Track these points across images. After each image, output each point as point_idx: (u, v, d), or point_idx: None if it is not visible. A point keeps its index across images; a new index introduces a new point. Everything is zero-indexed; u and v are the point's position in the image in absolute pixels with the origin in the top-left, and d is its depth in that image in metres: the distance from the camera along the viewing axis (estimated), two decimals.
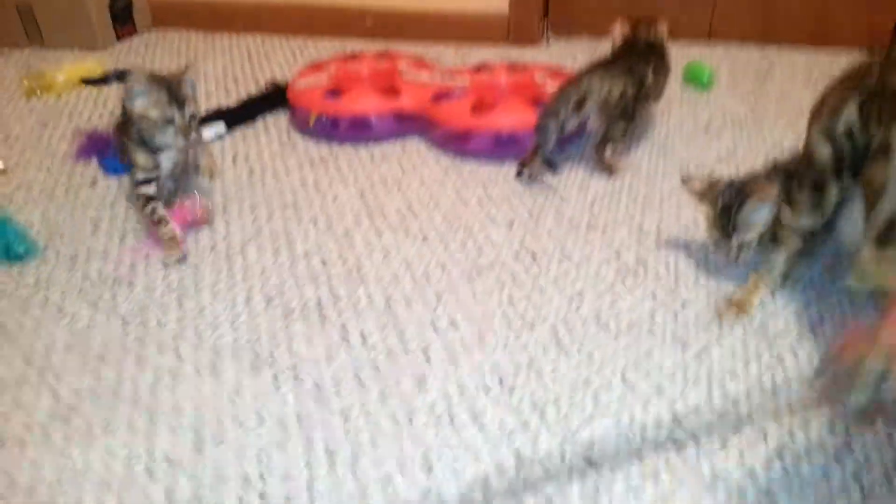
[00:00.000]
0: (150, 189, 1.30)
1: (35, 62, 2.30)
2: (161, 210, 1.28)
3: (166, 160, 1.32)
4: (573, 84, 1.44)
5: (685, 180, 1.12)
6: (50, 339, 1.07)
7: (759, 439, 0.86)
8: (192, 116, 1.30)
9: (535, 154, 1.42)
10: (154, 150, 1.30)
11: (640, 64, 1.49)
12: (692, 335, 1.02)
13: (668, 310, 1.07)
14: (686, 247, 1.22)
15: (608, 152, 1.46)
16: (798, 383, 0.93)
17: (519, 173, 1.44)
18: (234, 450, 0.87)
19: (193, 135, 1.31)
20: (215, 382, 0.97)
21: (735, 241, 1.05)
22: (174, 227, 1.26)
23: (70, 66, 2.07)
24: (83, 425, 0.91)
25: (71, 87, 2.03)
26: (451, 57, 2.20)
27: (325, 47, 2.32)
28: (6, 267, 1.24)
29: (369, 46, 2.30)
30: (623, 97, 1.43)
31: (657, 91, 1.55)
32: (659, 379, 0.95)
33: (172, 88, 1.28)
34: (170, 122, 1.26)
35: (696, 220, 1.28)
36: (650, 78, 1.50)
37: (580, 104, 1.41)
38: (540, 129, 1.39)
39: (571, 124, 1.42)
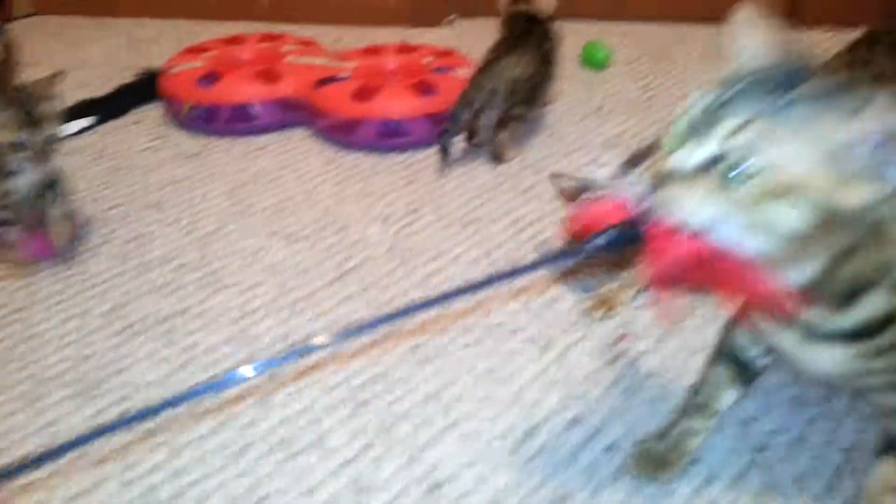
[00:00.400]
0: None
1: None
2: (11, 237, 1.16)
3: (22, 186, 1.13)
4: (484, 71, 1.37)
5: (554, 178, 1.07)
6: None
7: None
8: (49, 139, 1.11)
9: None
10: (4, 175, 1.12)
11: (541, 42, 1.43)
12: (557, 336, 0.98)
13: (532, 311, 1.02)
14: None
15: (504, 137, 1.40)
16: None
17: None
18: (44, 492, 0.79)
19: (50, 162, 1.14)
20: (32, 414, 0.88)
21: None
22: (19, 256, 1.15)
23: None
24: None
25: None
26: (353, 39, 2.10)
27: (218, 32, 2.18)
28: None
29: (265, 29, 2.19)
30: (531, 80, 1.38)
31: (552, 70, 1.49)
32: (519, 384, 0.90)
33: (26, 106, 1.09)
34: (19, 146, 1.09)
35: None
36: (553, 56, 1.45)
37: (494, 92, 1.35)
38: (452, 116, 1.35)
39: (488, 117, 1.38)
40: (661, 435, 0.77)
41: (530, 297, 1.03)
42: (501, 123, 1.39)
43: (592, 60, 1.79)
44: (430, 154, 1.43)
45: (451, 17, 2.22)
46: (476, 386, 0.90)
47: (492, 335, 0.98)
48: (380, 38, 2.08)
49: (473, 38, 2.06)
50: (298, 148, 1.51)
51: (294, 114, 1.56)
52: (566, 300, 1.03)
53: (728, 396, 0.75)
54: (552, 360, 0.93)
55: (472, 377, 0.89)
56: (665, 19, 2.08)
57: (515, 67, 1.36)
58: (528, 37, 1.43)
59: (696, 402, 0.76)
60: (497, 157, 1.40)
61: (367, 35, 2.12)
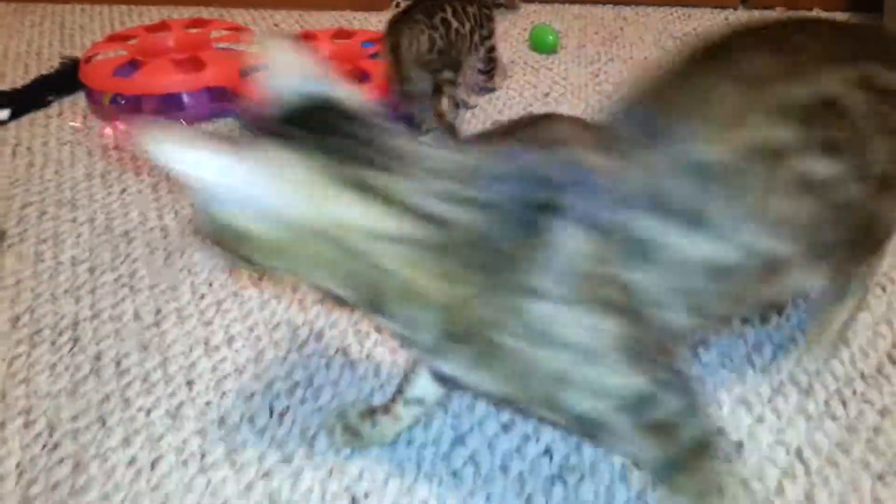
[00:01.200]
0: None
1: None
2: None
3: None
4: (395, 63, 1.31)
5: None
6: None
7: None
8: None
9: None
10: None
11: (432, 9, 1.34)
12: None
13: None
14: None
15: (443, 105, 1.34)
16: None
17: None
18: None
19: None
20: None
21: None
22: None
23: None
24: None
25: None
26: (292, 23, 2.03)
27: (152, 16, 2.09)
28: None
29: (206, 13, 2.10)
30: (433, 48, 1.31)
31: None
32: None
33: None
34: None
35: None
36: (459, 20, 1.35)
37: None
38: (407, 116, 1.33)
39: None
40: (370, 411, 0.76)
41: None
42: (435, 92, 1.34)
43: (541, 44, 1.74)
44: None
45: (398, 0, 2.15)
46: None
47: None
48: (325, 23, 2.02)
49: None
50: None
51: (225, 103, 1.48)
52: None
53: (423, 388, 0.73)
54: None
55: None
56: (617, 2, 2.04)
57: (410, 48, 1.29)
58: (412, 10, 1.35)
59: (399, 385, 0.74)
60: (444, 124, 1.33)
61: (309, 19, 2.05)
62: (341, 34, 1.61)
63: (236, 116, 1.49)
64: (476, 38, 1.40)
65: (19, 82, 1.67)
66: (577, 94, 1.55)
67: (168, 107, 1.46)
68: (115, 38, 1.60)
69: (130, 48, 1.55)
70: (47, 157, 1.38)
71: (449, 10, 1.34)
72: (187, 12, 2.11)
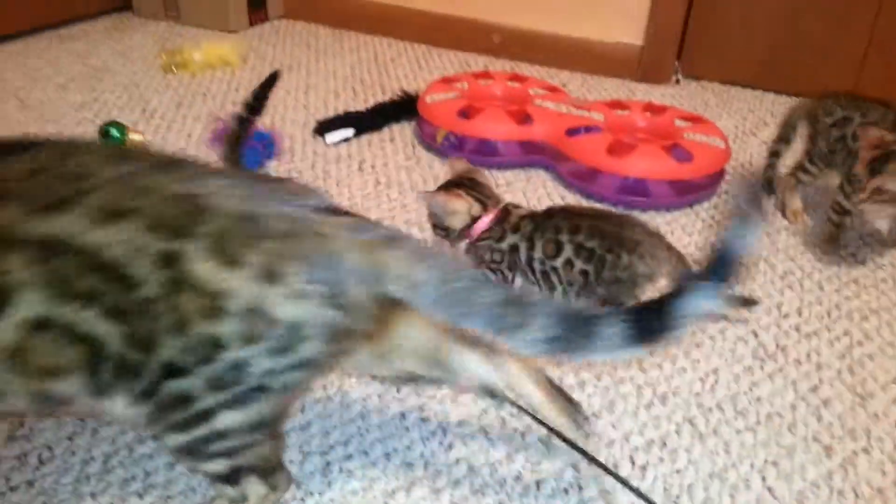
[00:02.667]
0: None
1: (171, 36, 2.37)
2: None
3: None
4: None
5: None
6: None
7: None
8: None
9: None
10: None
11: None
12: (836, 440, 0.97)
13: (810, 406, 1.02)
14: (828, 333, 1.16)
15: None
16: None
17: None
18: (362, 485, 0.87)
19: None
20: (343, 408, 0.97)
21: None
22: None
23: (207, 46, 2.12)
24: None
25: (206, 68, 2.09)
26: (578, 86, 2.17)
27: (450, 59, 2.32)
28: None
29: (494, 63, 2.30)
30: None
31: None
32: (801, 486, 0.90)
33: None
34: None
35: (838, 305, 1.22)
36: None
37: None
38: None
39: None
40: None
41: None
42: None
43: None
44: (676, 217, 1.46)
45: (677, 76, 2.24)
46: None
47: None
48: (606, 89, 2.14)
49: (701, 100, 2.09)
50: (542, 189, 1.57)
51: (535, 155, 1.63)
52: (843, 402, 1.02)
53: None
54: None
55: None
56: None
57: None
58: None
59: None
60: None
61: (593, 84, 2.19)
62: (652, 108, 1.71)
63: (546, 167, 1.64)
64: None
65: (350, 102, 1.93)
66: None
67: (486, 150, 1.63)
68: (447, 81, 1.80)
69: (462, 92, 1.74)
70: (389, 178, 1.58)
71: None
72: (480, 60, 2.32)
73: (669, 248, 1.09)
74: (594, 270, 1.06)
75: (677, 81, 2.24)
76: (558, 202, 1.52)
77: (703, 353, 1.10)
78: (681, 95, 2.13)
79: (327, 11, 2.53)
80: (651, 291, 1.07)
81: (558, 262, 1.08)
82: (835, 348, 1.13)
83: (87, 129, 1.69)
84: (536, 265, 1.10)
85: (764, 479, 0.90)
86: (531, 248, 1.10)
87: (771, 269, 1.32)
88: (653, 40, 2.18)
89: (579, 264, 1.07)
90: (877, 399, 1.03)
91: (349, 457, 0.90)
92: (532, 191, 1.56)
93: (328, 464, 0.89)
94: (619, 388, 1.03)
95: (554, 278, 1.09)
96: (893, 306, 1.23)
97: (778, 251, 1.38)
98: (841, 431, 0.98)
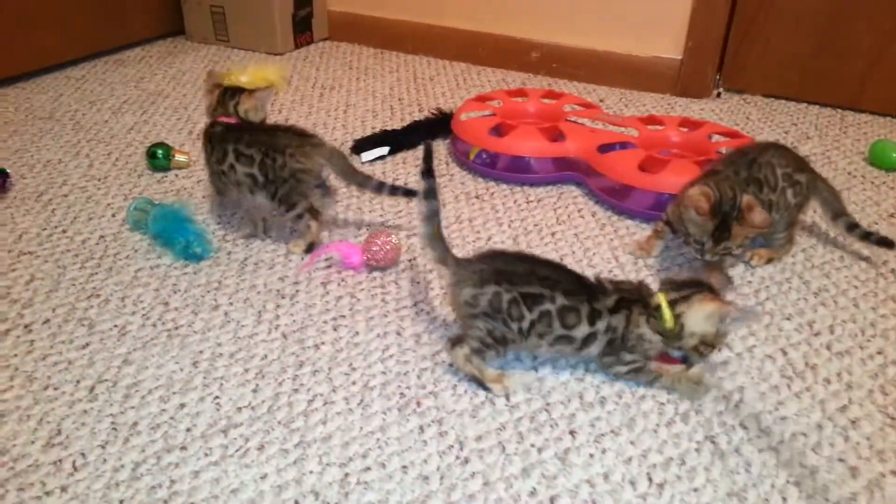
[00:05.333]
0: None
1: (220, 60, 2.47)
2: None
3: None
4: None
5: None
6: (216, 344, 1.13)
7: None
8: None
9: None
10: None
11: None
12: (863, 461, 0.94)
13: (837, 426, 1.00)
14: (861, 352, 1.13)
15: None
16: None
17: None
18: (378, 498, 0.89)
19: None
20: (364, 420, 1.00)
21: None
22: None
23: (253, 69, 2.18)
24: (240, 441, 0.96)
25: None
26: (616, 101, 2.17)
27: (488, 76, 2.35)
28: (182, 265, 1.33)
29: (532, 80, 2.32)
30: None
31: None
32: None
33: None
34: None
35: (874, 323, 1.18)
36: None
37: None
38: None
39: None
40: None
41: None
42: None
43: (883, 160, 1.71)
44: None
45: (719, 90, 2.21)
46: None
47: None
48: (645, 104, 2.13)
49: (742, 114, 2.06)
50: (572, 205, 1.57)
51: (568, 171, 1.64)
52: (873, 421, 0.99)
53: None
54: None
55: None
56: None
57: None
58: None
59: None
60: None
61: (631, 99, 2.18)
62: (688, 123, 1.70)
63: (577, 183, 1.64)
64: None
65: (388, 121, 1.97)
66: None
67: (518, 167, 1.65)
68: (482, 99, 1.83)
69: (496, 109, 1.76)
70: None
71: None
72: (518, 77, 2.34)
73: (320, 143, 1.33)
74: (260, 173, 1.31)
75: (718, 95, 2.21)
76: (589, 218, 1.52)
77: (728, 372, 1.09)
78: (721, 109, 2.10)
79: (370, 32, 2.60)
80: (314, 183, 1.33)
81: (224, 167, 1.34)
82: (867, 367, 1.10)
83: (136, 150, 1.78)
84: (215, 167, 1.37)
85: (784, 499, 0.88)
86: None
87: (805, 285, 1.29)
88: (692, 54, 2.16)
89: (242, 168, 1.33)
90: None
91: (367, 469, 0.92)
92: (563, 207, 1.56)
93: (346, 475, 0.91)
94: (641, 406, 1.02)
95: (225, 179, 1.36)
96: None
97: (813, 267, 1.35)
98: (868, 452, 0.95)
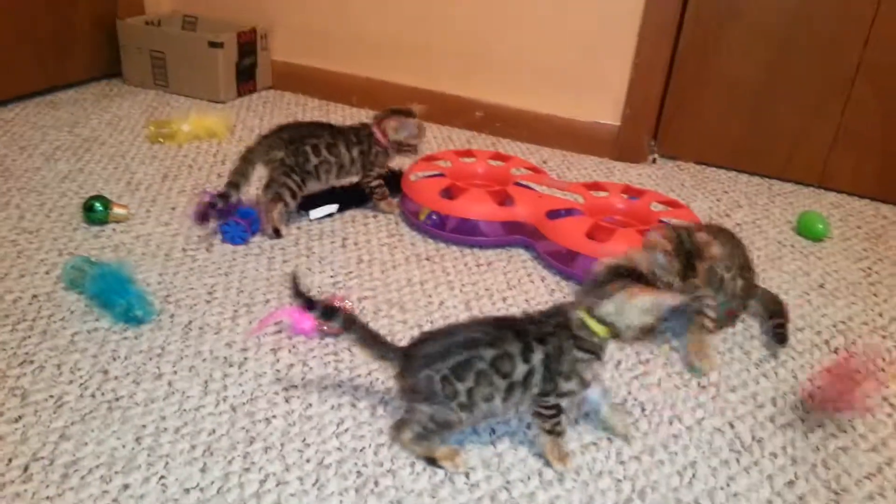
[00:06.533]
0: None
1: (159, 105, 2.41)
2: None
3: None
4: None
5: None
6: (160, 418, 1.08)
7: None
8: None
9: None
10: None
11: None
12: None
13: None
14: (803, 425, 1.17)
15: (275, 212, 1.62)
16: None
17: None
18: None
19: None
20: (319, 502, 0.96)
21: None
22: None
23: (195, 118, 2.15)
24: None
25: (193, 139, 2.11)
26: (558, 163, 2.22)
27: (434, 133, 2.37)
28: (122, 329, 1.27)
29: (476, 138, 2.36)
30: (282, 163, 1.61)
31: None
32: None
33: None
34: None
35: (812, 394, 1.24)
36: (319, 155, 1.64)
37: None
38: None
39: None
40: None
41: None
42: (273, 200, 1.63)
43: (810, 231, 1.81)
44: None
45: (654, 156, 2.31)
46: None
47: None
48: (585, 167, 2.20)
49: (677, 180, 2.15)
50: (522, 270, 1.59)
51: (516, 235, 1.66)
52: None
53: None
54: None
55: None
56: (880, 198, 2.08)
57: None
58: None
59: None
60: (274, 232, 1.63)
61: (572, 161, 2.24)
62: (631, 191, 1.76)
63: (525, 247, 1.67)
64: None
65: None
66: (851, 291, 1.59)
67: (466, 228, 1.66)
68: (430, 159, 1.84)
69: (445, 170, 1.78)
70: (371, 255, 1.60)
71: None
72: (462, 134, 2.38)
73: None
74: None
75: (654, 161, 2.30)
76: (539, 283, 1.54)
77: (680, 445, 1.11)
78: (657, 175, 2.19)
79: (314, 83, 2.59)
80: None
81: None
82: (810, 441, 1.14)
83: (70, 201, 1.70)
84: None
85: None
86: None
87: (746, 356, 1.34)
88: (629, 121, 2.25)
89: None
90: (851, 494, 1.04)
91: None
92: (513, 271, 1.58)
93: None
94: (598, 483, 1.03)
95: None
96: None
97: (752, 338, 1.40)
98: None
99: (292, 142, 1.62)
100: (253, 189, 1.67)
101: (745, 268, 1.37)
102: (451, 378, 0.97)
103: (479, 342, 0.98)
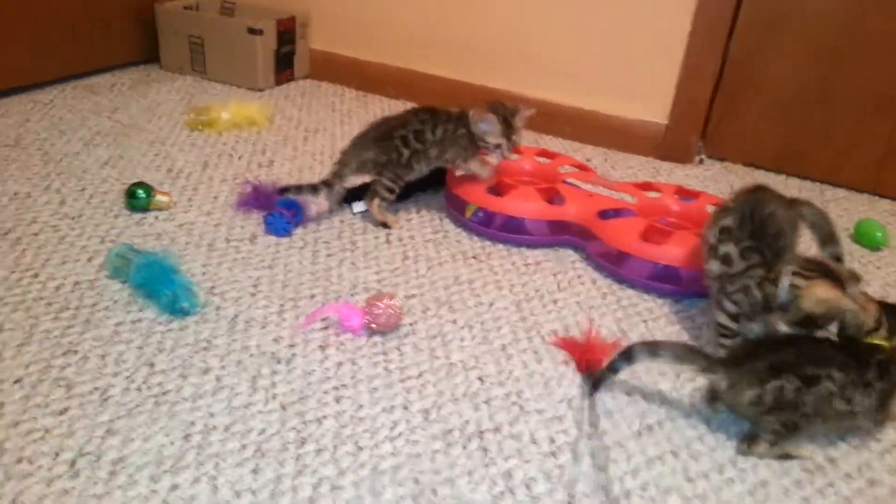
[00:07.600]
0: None
1: (196, 92, 2.38)
2: None
3: None
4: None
5: None
6: (209, 414, 1.04)
7: None
8: None
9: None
10: None
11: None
12: None
13: None
14: None
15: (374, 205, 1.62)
16: None
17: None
18: None
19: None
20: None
21: None
22: None
23: (235, 106, 2.11)
24: None
25: (232, 127, 2.08)
26: (601, 161, 2.17)
27: None
28: (166, 320, 1.23)
29: None
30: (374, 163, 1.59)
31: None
32: None
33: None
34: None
35: None
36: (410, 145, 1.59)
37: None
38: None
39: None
40: None
41: None
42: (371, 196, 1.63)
43: (868, 239, 1.74)
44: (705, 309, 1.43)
45: (701, 157, 2.24)
46: None
47: None
48: (630, 166, 2.14)
49: (725, 181, 2.08)
50: (572, 271, 1.54)
51: (563, 234, 1.61)
52: None
53: None
54: None
55: None
56: None
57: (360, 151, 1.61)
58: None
59: None
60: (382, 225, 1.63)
61: (616, 160, 2.18)
62: (684, 192, 1.70)
63: (574, 247, 1.62)
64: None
65: None
66: None
67: (513, 227, 1.61)
68: None
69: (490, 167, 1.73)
70: (416, 252, 1.55)
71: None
72: None
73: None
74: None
75: (701, 161, 2.24)
76: (590, 286, 1.49)
77: (750, 463, 1.06)
78: (704, 176, 2.13)
79: (351, 73, 2.55)
80: None
81: None
82: (885, 462, 1.08)
83: (111, 187, 1.67)
84: None
85: None
86: None
87: None
88: (677, 120, 2.19)
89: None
90: None
91: None
92: (563, 272, 1.53)
93: None
94: (667, 501, 0.98)
95: None
96: None
97: None
98: None
99: (380, 139, 1.59)
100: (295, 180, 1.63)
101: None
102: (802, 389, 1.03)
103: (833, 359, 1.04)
